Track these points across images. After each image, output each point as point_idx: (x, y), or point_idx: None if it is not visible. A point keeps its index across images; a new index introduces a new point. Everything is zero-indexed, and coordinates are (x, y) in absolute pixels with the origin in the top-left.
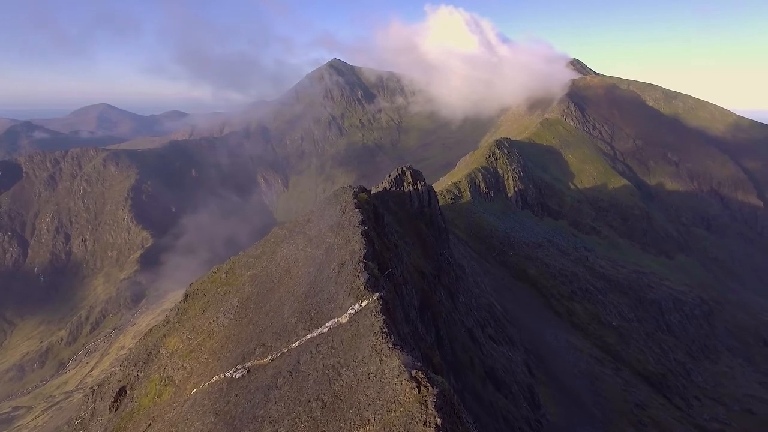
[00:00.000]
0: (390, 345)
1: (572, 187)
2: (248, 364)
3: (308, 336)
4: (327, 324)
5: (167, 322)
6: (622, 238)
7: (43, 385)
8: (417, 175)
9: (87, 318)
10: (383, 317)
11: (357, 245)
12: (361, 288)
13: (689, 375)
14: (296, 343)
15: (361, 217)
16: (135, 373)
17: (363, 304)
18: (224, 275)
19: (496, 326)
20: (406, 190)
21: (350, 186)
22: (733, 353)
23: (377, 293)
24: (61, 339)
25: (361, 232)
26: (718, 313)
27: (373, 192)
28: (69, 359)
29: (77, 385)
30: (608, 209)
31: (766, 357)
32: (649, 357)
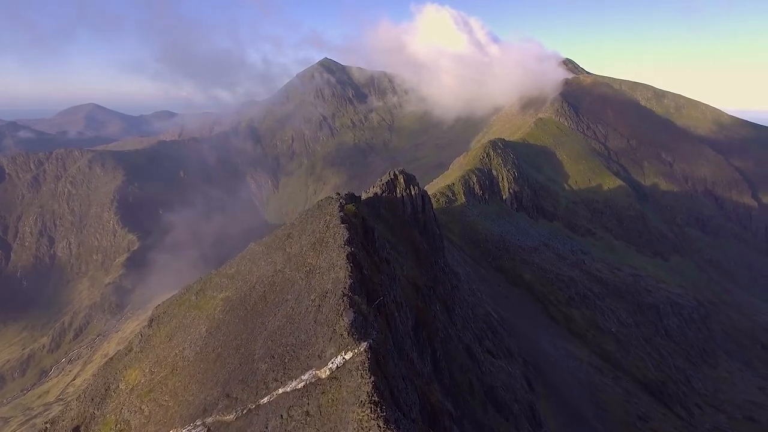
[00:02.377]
0: (381, 423)
1: (567, 187)
2: (209, 420)
3: (280, 390)
4: (303, 377)
5: (130, 350)
6: (617, 240)
7: (24, 394)
8: (410, 179)
9: (70, 324)
10: (372, 379)
11: (341, 272)
12: (345, 334)
13: (689, 382)
14: (266, 399)
15: (347, 235)
16: (91, 410)
17: (347, 357)
18: (194, 297)
19: (493, 338)
20: (398, 195)
21: (337, 194)
22: (731, 357)
23: (364, 342)
24: (43, 346)
25: (347, 255)
26: (715, 315)
27: (363, 198)
28: (51, 367)
29: (57, 396)
30: (603, 210)
31: (764, 360)
32: (649, 364)
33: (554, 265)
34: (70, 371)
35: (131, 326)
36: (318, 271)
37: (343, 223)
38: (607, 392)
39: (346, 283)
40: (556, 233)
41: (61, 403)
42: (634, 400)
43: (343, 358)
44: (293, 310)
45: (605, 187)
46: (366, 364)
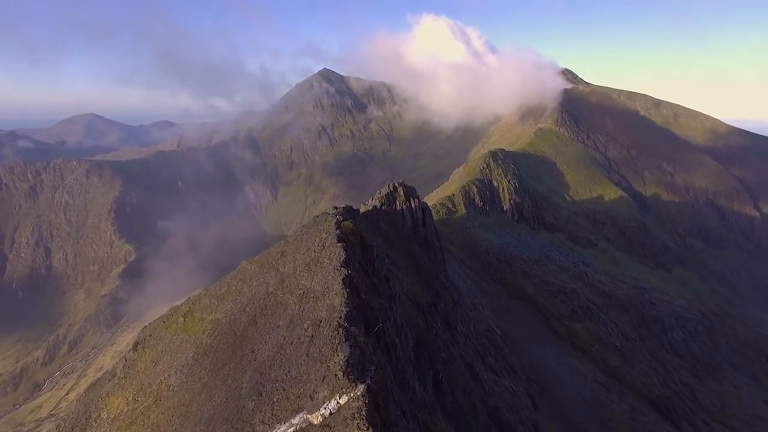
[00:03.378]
0: None
1: (568, 198)
2: None
3: None
4: (293, 420)
5: (113, 376)
6: (619, 251)
7: (16, 409)
8: (410, 192)
9: (65, 337)
10: (370, 431)
11: (337, 298)
12: (340, 374)
13: (696, 397)
14: None
15: (343, 256)
16: None
17: (342, 402)
18: (182, 319)
19: (496, 354)
20: (398, 208)
21: (334, 208)
22: (737, 370)
23: (362, 385)
24: (37, 359)
25: (343, 279)
26: (719, 327)
27: (362, 211)
28: (45, 381)
29: (50, 411)
30: (605, 221)
31: None
32: (654, 379)
33: (556, 277)
34: (63, 385)
35: (126, 339)
36: (312, 295)
37: (339, 242)
38: (612, 409)
39: (341, 311)
40: (558, 245)
41: (53, 419)
42: (640, 417)
43: (338, 402)
44: (284, 339)
45: (606, 198)
46: (363, 412)
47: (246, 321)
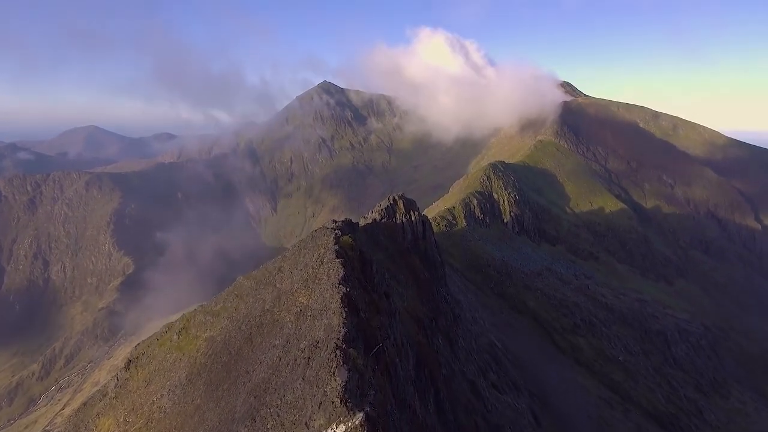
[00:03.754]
0: None
1: (568, 210)
2: None
3: None
4: None
5: (105, 395)
6: (621, 264)
7: (10, 425)
8: (410, 205)
9: (61, 351)
10: None
11: (335, 318)
12: (337, 401)
13: (701, 413)
14: None
15: (342, 272)
16: None
17: (339, 431)
18: (176, 336)
19: (498, 370)
20: (398, 221)
21: (333, 222)
22: (742, 385)
23: (360, 413)
24: (33, 373)
25: (341, 297)
26: (723, 341)
27: (361, 224)
28: (40, 396)
29: (45, 427)
30: (606, 233)
31: None
32: (659, 395)
33: (558, 290)
34: (59, 400)
35: (123, 353)
36: (309, 313)
37: (338, 258)
38: (616, 426)
39: (339, 332)
40: (559, 257)
41: None
42: None
43: (335, 431)
44: (280, 360)
45: (607, 210)
46: None
47: (241, 339)
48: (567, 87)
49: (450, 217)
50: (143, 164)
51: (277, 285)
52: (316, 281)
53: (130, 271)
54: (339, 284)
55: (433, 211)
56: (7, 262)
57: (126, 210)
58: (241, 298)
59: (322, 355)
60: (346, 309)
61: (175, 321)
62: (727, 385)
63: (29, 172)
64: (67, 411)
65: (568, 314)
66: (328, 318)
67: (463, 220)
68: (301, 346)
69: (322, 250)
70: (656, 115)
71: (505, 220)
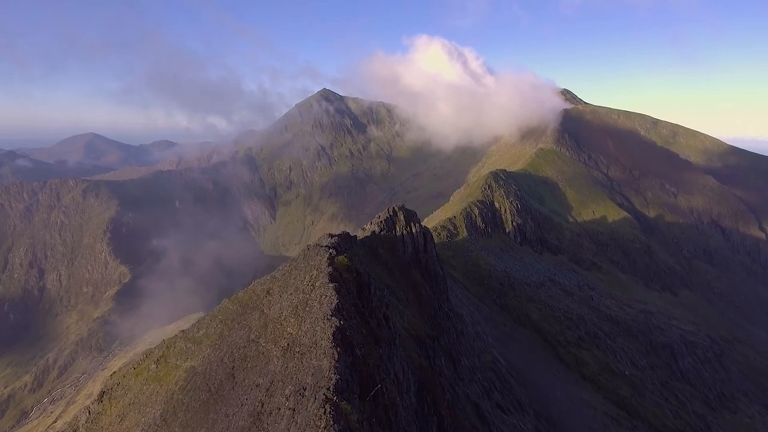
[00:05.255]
0: None
1: (570, 219)
2: None
3: None
4: None
5: (75, 430)
6: (624, 274)
7: None
8: (410, 216)
9: (54, 361)
10: None
11: (325, 360)
12: None
13: (710, 429)
14: None
15: (335, 301)
16: None
17: None
18: (154, 366)
19: (502, 388)
20: (398, 234)
21: (329, 236)
22: (749, 399)
23: None
24: (25, 385)
25: (333, 333)
26: (729, 353)
27: (359, 237)
28: (32, 408)
29: None
30: (608, 243)
31: None
32: (667, 410)
33: (561, 302)
34: (51, 413)
35: (117, 364)
36: (298, 349)
37: (331, 282)
38: None
39: (329, 378)
40: (561, 267)
41: None
42: None
43: None
44: (263, 405)
45: (610, 219)
46: None
47: (223, 374)
48: (567, 94)
49: (451, 227)
50: (142, 172)
51: (265, 310)
52: (307, 309)
53: (127, 280)
54: (331, 316)
55: (433, 221)
56: (2, 270)
57: (123, 218)
58: (225, 324)
59: (309, 408)
60: (338, 349)
61: (155, 347)
62: (734, 399)
63: (27, 180)
64: (59, 424)
65: (572, 327)
66: (318, 359)
67: (465, 230)
68: (287, 392)
69: (315, 272)
70: (656, 123)
71: (507, 230)
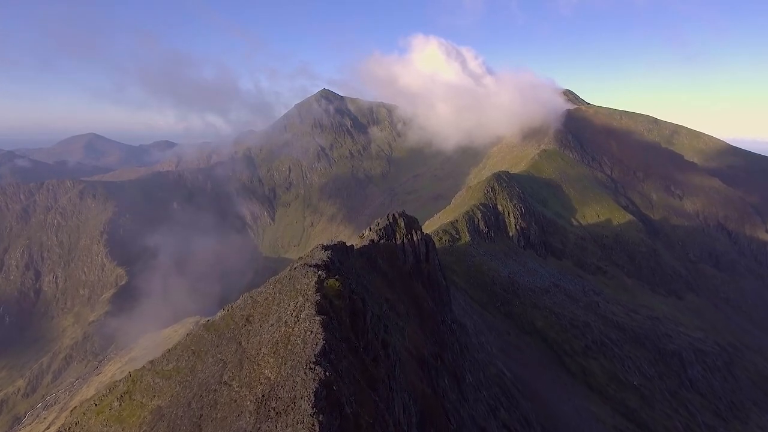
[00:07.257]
0: None
1: (575, 222)
2: None
3: None
4: None
5: None
6: (629, 278)
7: None
8: (411, 223)
9: (49, 366)
10: None
11: (307, 423)
12: None
13: None
14: None
15: (322, 342)
16: None
17: None
18: (117, 403)
19: (508, 405)
20: (398, 242)
21: (322, 248)
22: (760, 408)
23: None
24: (19, 389)
25: (316, 390)
26: (738, 361)
27: (357, 246)
28: (25, 413)
29: None
30: (613, 247)
31: None
32: (677, 422)
33: (567, 309)
34: (45, 418)
35: (112, 369)
36: (274, 404)
37: (319, 315)
38: None
39: None
40: (566, 272)
41: None
42: None
43: None
44: None
45: (614, 222)
46: None
47: (189, 424)
48: (569, 95)
49: (453, 231)
50: (141, 172)
51: (243, 343)
52: (289, 347)
53: (123, 282)
54: (315, 364)
55: (434, 224)
56: None
57: (120, 220)
58: (198, 356)
59: None
60: (321, 416)
61: (120, 381)
62: (745, 409)
63: (26, 181)
64: (52, 430)
65: (578, 335)
66: (295, 427)
67: (467, 234)
68: None
69: (301, 299)
70: (661, 124)
71: (511, 234)
